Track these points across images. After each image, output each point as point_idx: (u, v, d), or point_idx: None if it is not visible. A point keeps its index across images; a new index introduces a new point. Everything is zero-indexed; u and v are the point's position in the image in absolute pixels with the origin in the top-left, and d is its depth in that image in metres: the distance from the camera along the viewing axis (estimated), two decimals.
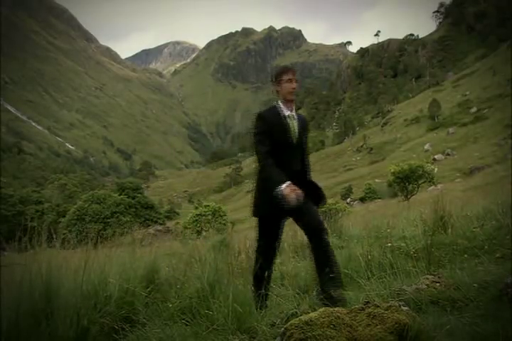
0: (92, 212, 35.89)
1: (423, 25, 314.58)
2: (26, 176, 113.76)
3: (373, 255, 3.82)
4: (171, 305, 2.93)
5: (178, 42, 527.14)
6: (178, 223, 33.64)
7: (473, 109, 75.48)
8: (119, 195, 40.52)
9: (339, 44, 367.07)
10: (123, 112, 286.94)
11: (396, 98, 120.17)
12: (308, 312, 2.23)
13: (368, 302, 2.22)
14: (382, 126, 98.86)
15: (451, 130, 70.40)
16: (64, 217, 39.65)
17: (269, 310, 2.84)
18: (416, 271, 3.35)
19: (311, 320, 2.05)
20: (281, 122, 3.09)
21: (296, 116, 3.17)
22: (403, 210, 9.42)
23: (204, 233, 13.71)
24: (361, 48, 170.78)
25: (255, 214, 3.13)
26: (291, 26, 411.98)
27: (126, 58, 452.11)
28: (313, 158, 53.21)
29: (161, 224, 37.66)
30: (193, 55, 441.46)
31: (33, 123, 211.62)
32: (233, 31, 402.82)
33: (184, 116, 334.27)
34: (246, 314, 2.58)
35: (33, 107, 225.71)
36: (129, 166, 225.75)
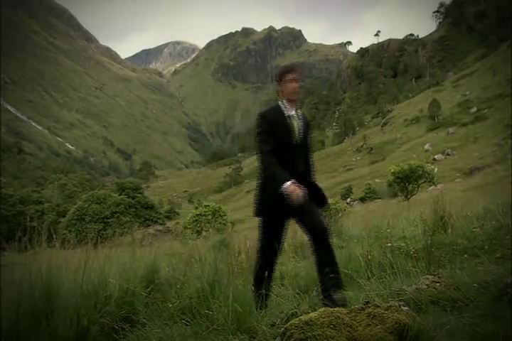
0: (92, 212, 35.88)
1: (423, 25, 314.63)
2: (26, 176, 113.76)
3: (373, 255, 3.82)
4: (171, 305, 2.92)
5: (178, 42, 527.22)
6: (178, 223, 33.64)
7: (473, 109, 75.48)
8: (119, 195, 40.51)
9: (339, 44, 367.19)
10: (123, 112, 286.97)
11: (396, 98, 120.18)
12: (308, 312, 2.23)
13: (367, 302, 2.22)
14: (382, 126, 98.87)
15: (451, 130, 70.40)
16: (64, 217, 39.65)
17: (269, 310, 2.84)
18: (416, 271, 3.34)
19: (311, 320, 2.05)
20: (284, 122, 3.07)
21: (299, 116, 3.15)
22: (403, 210, 9.41)
23: (204, 233, 13.71)
24: (361, 48, 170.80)
25: (258, 213, 3.10)
26: (291, 26, 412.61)
27: (126, 58, 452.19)
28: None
29: (161, 224, 37.65)
30: (193, 55, 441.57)
31: (33, 123, 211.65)
32: (233, 31, 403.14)
33: (184, 116, 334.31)
34: (246, 314, 2.58)
35: (33, 107, 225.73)
36: (129, 166, 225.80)
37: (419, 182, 21.89)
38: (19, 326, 2.29)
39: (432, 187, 24.78)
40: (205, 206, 21.85)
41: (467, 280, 2.91)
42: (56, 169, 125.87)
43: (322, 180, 53.96)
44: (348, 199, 45.76)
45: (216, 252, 4.10)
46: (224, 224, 18.94)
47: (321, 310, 2.15)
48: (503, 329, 2.05)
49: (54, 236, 3.44)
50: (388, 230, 5.04)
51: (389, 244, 4.13)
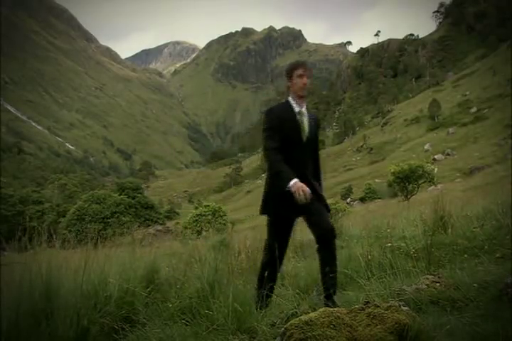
0: (92, 212, 35.89)
1: (423, 25, 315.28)
2: (26, 176, 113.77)
3: (373, 255, 3.82)
4: (171, 305, 2.92)
5: (178, 42, 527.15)
6: (178, 223, 33.70)
7: (473, 109, 75.49)
8: (119, 195, 40.53)
9: (339, 44, 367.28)
10: (123, 112, 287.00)
11: (396, 98, 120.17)
12: (308, 312, 2.23)
13: (367, 302, 2.22)
14: (382, 126, 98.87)
15: (451, 130, 70.41)
16: (64, 217, 39.68)
17: (269, 310, 2.84)
18: (416, 271, 3.34)
19: (311, 320, 2.05)
20: (293, 118, 3.01)
21: (307, 113, 3.09)
22: (403, 210, 9.40)
23: (204, 233, 13.72)
24: (361, 48, 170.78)
25: (263, 211, 3.05)
26: (291, 26, 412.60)
27: (126, 58, 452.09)
28: None
29: (161, 224, 37.68)
30: (193, 55, 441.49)
31: (33, 123, 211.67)
32: (233, 31, 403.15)
33: (184, 116, 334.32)
34: (246, 314, 2.58)
35: (33, 107, 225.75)
36: (129, 166, 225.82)
37: (419, 182, 21.91)
38: (19, 326, 2.29)
39: (432, 187, 24.79)
40: (205, 206, 21.88)
41: (467, 280, 2.91)
42: (56, 169, 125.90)
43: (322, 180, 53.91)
44: (348, 199, 45.77)
45: (216, 252, 4.10)
46: (224, 224, 18.97)
47: (321, 310, 2.15)
48: (503, 329, 2.05)
49: (54, 236, 3.43)
50: (388, 230, 5.05)
51: (389, 244, 4.13)
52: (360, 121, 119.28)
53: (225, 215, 21.17)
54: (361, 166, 77.01)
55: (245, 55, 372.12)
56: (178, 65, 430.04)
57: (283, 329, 2.12)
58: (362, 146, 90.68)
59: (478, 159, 46.68)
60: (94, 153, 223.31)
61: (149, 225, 33.79)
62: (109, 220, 35.74)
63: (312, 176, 3.06)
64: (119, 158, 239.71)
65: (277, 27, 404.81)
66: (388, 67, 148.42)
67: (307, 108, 3.12)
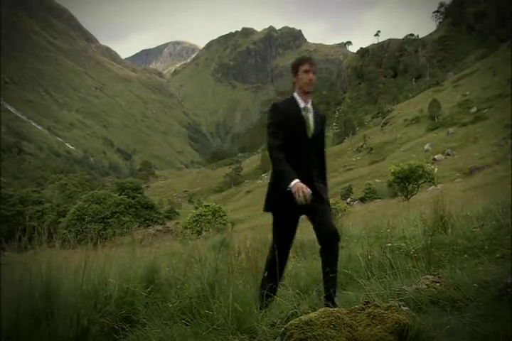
0: (92, 212, 35.87)
1: (423, 25, 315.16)
2: (26, 176, 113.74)
3: (373, 255, 3.82)
4: (171, 305, 2.92)
5: (178, 42, 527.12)
6: (178, 223, 33.70)
7: (473, 109, 75.48)
8: (119, 195, 40.51)
9: (339, 44, 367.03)
10: (123, 112, 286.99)
11: (396, 98, 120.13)
12: (308, 312, 2.23)
13: (367, 302, 2.22)
14: (382, 126, 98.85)
15: (451, 130, 70.41)
16: (64, 217, 39.64)
17: (269, 310, 2.84)
18: (416, 271, 3.34)
19: (311, 320, 2.05)
20: (298, 114, 2.96)
21: (312, 109, 3.05)
22: (403, 210, 9.41)
23: (204, 233, 13.70)
24: (361, 48, 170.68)
25: (266, 208, 3.01)
26: (291, 26, 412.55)
27: (126, 58, 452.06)
28: None
29: (161, 224, 37.63)
30: (193, 55, 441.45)
31: (33, 123, 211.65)
32: (233, 31, 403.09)
33: (184, 116, 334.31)
34: (246, 314, 2.58)
35: (33, 107, 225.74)
36: (129, 166, 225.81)
37: (419, 182, 21.89)
38: (19, 326, 2.29)
39: (432, 187, 24.78)
40: (205, 206, 21.87)
41: (467, 280, 2.91)
42: (56, 169, 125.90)
43: None
44: (348, 199, 45.74)
45: (216, 252, 4.10)
46: (224, 224, 18.97)
47: (321, 310, 2.15)
48: (503, 329, 2.05)
49: (54, 236, 3.44)
50: (388, 230, 5.05)
51: (389, 244, 4.13)
52: (360, 121, 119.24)
53: (225, 215, 21.16)
54: (361, 166, 77.00)
55: (245, 55, 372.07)
56: (178, 65, 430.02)
57: (283, 329, 2.12)
58: (362, 146, 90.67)
59: (478, 159, 46.67)
60: (94, 153, 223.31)
61: (149, 225, 33.75)
62: (109, 220, 35.73)
63: (317, 174, 3.01)
64: (119, 158, 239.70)
65: (277, 27, 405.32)
66: (388, 67, 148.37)
67: (313, 104, 3.08)
